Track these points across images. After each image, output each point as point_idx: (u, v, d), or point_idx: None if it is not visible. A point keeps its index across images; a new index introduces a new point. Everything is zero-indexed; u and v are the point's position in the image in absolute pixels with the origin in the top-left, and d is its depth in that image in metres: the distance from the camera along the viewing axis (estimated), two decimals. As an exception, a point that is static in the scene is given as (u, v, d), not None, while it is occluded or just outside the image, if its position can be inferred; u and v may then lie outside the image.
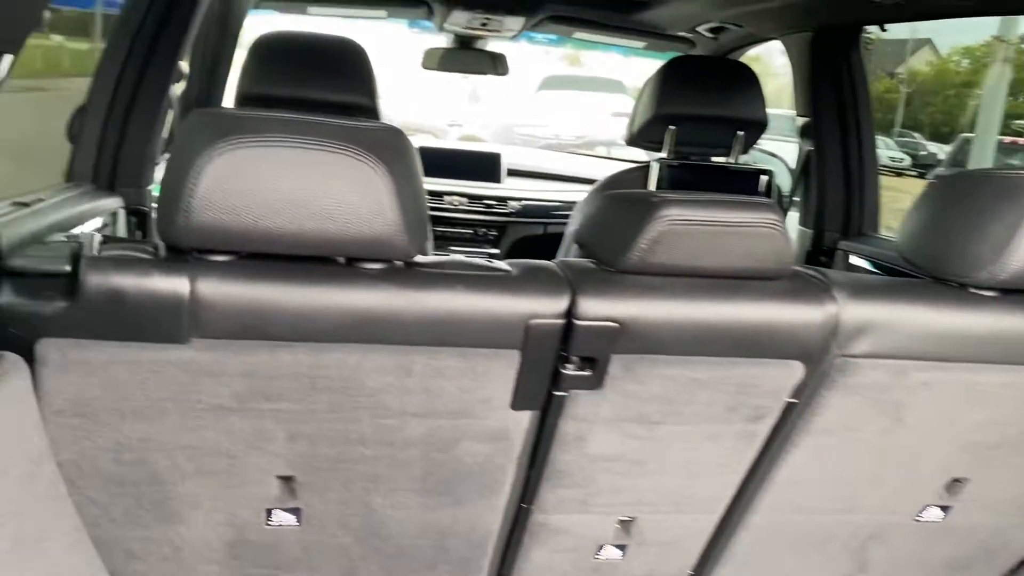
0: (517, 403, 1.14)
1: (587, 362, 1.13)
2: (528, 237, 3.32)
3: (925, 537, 1.46)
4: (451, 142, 3.78)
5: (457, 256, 1.14)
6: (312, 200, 0.93)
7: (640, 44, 2.89)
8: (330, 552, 1.27)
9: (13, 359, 0.93)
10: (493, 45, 3.03)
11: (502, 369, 1.10)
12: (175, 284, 0.95)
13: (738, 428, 1.23)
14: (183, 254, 0.99)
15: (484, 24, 2.72)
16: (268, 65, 1.84)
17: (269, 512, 1.19)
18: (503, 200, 3.26)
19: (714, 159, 2.25)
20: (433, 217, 3.21)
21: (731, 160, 2.24)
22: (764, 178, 2.27)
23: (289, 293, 0.99)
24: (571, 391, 1.15)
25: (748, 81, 2.17)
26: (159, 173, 2.03)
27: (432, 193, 3.20)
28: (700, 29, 2.63)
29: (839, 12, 2.07)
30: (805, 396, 1.22)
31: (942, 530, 1.44)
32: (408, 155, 1.01)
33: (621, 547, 1.39)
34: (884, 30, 2.17)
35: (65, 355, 0.96)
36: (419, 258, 1.09)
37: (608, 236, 1.16)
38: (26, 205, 1.55)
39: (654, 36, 2.82)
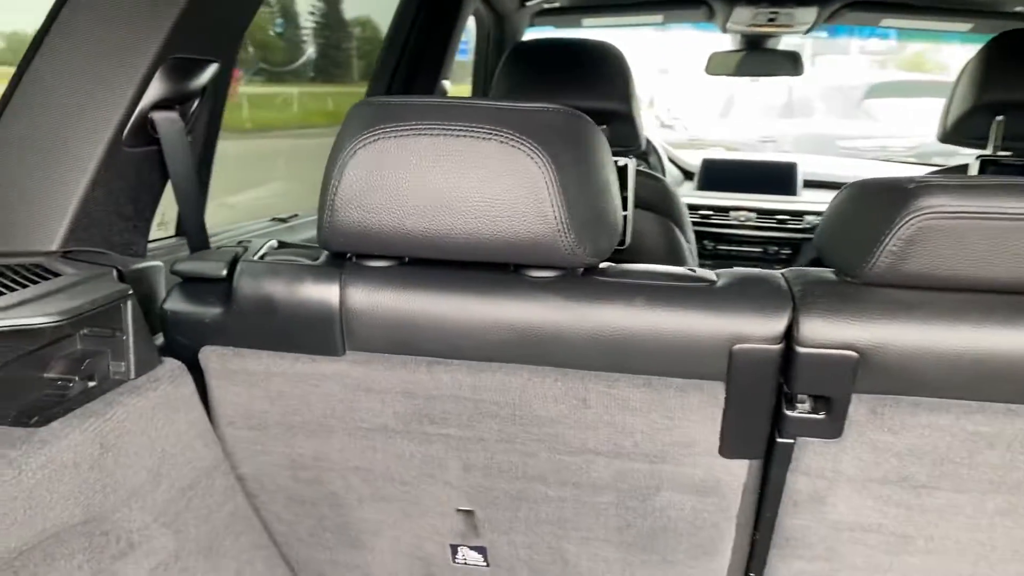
0: (727, 449, 0.92)
1: (819, 401, 0.88)
2: (828, 256, 2.95)
3: None
4: (748, 154, 3.50)
5: (656, 266, 0.95)
6: (459, 194, 0.81)
7: (965, 27, 2.44)
8: None
9: (174, 366, 0.93)
10: (784, 43, 2.75)
11: (702, 405, 0.89)
12: (325, 292, 0.89)
13: None
14: (341, 259, 0.92)
15: (771, 19, 2.46)
16: (519, 74, 1.79)
17: (455, 549, 1.09)
18: (799, 215, 2.93)
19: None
20: (717, 235, 2.98)
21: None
22: None
23: (444, 303, 0.88)
24: (799, 438, 0.91)
25: None
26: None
27: (716, 208, 2.97)
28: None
29: None
30: None
31: None
32: (587, 142, 0.85)
33: None
34: None
35: (225, 364, 0.94)
36: (606, 265, 0.93)
37: (847, 236, 0.90)
38: (283, 221, 1.64)
39: (984, 15, 2.36)
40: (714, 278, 0.91)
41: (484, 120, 0.80)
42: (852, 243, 0.87)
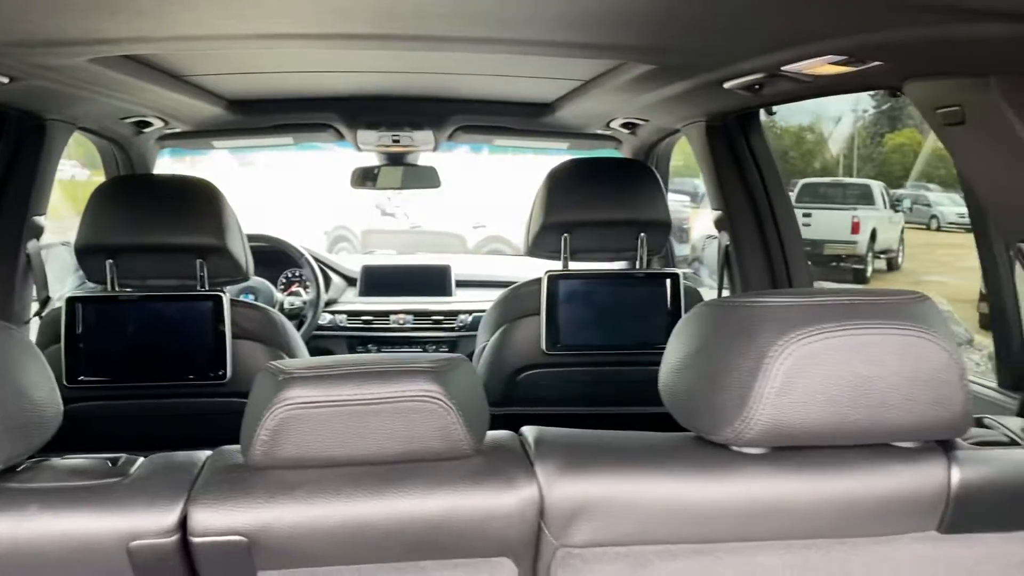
0: None
1: None
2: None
3: None
4: (400, 258, 3.66)
5: (81, 461, 0.95)
6: None
7: (563, 145, 2.77)
8: None
9: None
10: (427, 158, 2.94)
11: None
12: None
13: None
14: None
15: (396, 141, 2.64)
16: (109, 213, 1.77)
17: None
18: (452, 314, 3.11)
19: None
20: (379, 339, 3.09)
21: (636, 265, 2.04)
22: (671, 282, 2.04)
23: None
24: None
25: (645, 179, 2.01)
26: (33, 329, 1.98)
27: (376, 313, 3.09)
28: (614, 125, 2.49)
29: (719, 100, 1.89)
30: None
31: None
32: None
33: None
34: (771, 113, 1.98)
35: None
36: (27, 464, 0.93)
37: (247, 419, 0.97)
38: None
39: (575, 136, 2.69)
40: (131, 469, 0.93)
41: None
42: (247, 427, 0.93)
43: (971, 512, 0.95)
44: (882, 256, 11.80)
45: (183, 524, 0.88)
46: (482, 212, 8.32)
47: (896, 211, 12.30)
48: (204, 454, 0.98)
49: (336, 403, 0.88)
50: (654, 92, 1.88)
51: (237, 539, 0.88)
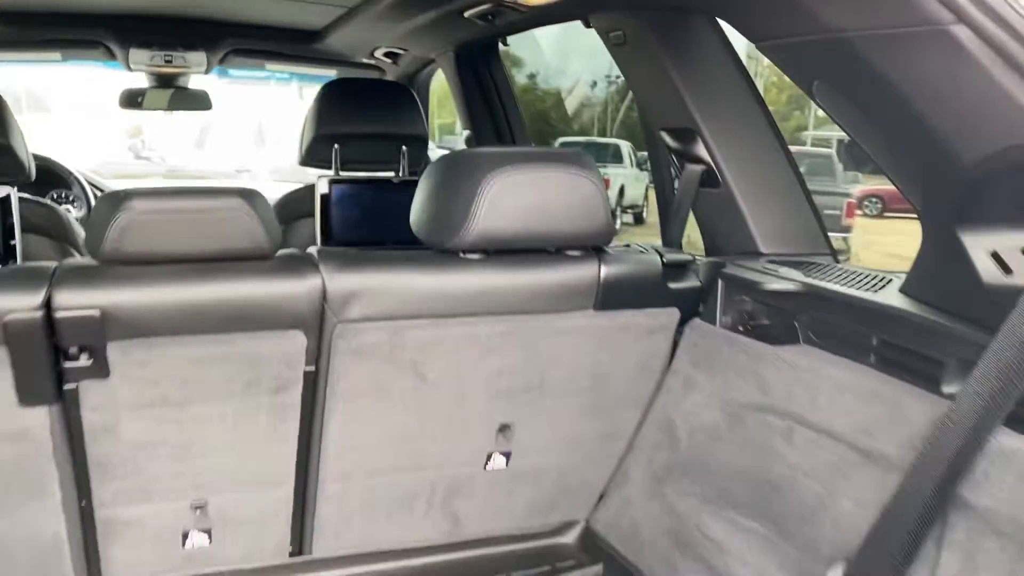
0: (25, 399, 1.19)
1: (86, 351, 1.20)
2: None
3: (503, 485, 1.61)
4: (175, 182, 3.75)
5: None
6: None
7: (331, 72, 3.02)
8: None
9: None
10: (200, 81, 3.07)
11: None
12: None
13: (266, 401, 1.33)
14: None
15: (168, 61, 2.76)
16: None
17: None
18: None
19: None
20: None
21: (398, 174, 2.37)
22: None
23: None
24: (80, 381, 1.21)
25: (406, 99, 2.33)
26: None
27: None
28: (377, 55, 2.79)
29: (463, 30, 2.27)
30: (322, 364, 1.34)
31: (513, 476, 1.60)
32: None
33: (206, 531, 1.46)
34: (506, 44, 2.40)
35: None
36: None
37: (89, 231, 1.24)
38: None
39: (342, 64, 2.96)
40: None
41: None
42: (93, 235, 1.20)
43: (613, 295, 1.42)
44: (629, 211, 12.93)
45: (48, 303, 1.14)
46: (248, 155, 8.27)
47: (642, 170, 13.52)
48: (52, 263, 1.22)
49: (170, 212, 1.17)
50: (409, 21, 2.22)
51: (92, 313, 1.15)
